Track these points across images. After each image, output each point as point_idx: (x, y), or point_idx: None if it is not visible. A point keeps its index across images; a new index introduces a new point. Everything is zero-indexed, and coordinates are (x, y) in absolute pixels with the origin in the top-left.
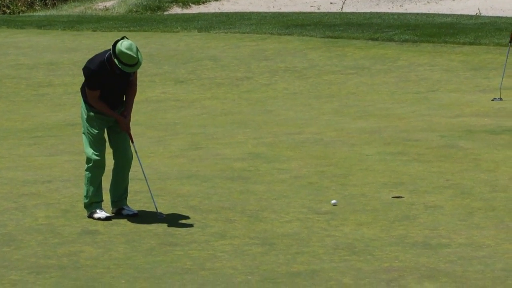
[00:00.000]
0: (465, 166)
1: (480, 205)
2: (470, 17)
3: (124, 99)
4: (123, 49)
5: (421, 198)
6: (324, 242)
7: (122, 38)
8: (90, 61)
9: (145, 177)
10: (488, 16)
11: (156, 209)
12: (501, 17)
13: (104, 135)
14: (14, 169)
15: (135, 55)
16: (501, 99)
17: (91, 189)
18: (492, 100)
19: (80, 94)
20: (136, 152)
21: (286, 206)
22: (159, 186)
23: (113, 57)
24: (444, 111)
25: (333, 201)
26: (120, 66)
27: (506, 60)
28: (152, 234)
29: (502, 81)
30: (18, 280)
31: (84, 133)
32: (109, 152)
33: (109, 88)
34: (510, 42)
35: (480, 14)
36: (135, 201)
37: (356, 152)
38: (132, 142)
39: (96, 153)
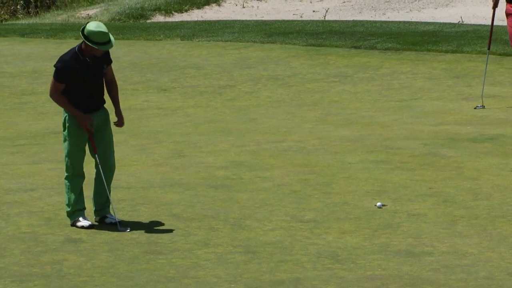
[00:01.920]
0: (448, 174)
1: (463, 213)
2: (452, 25)
3: (102, 98)
4: (93, 29)
5: (404, 206)
6: (307, 251)
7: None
8: (61, 56)
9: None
10: (470, 24)
11: (118, 224)
12: (484, 25)
13: (85, 145)
14: None
15: (105, 31)
16: (483, 106)
17: (72, 197)
18: (475, 108)
19: None
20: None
21: (269, 214)
22: (142, 194)
23: (85, 42)
24: (427, 119)
25: (379, 204)
26: (96, 47)
27: (486, 67)
28: (135, 243)
29: (483, 88)
30: None
31: (64, 141)
32: (91, 161)
33: (84, 82)
34: (488, 49)
35: (462, 22)
36: (118, 209)
37: (339, 160)
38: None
39: (75, 162)
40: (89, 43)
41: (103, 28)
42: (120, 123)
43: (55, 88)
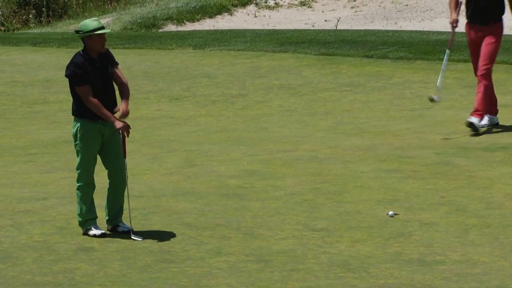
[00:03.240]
0: (460, 183)
1: (475, 222)
2: (464, 34)
3: (112, 105)
4: (85, 22)
5: (416, 215)
6: (319, 259)
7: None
8: (69, 63)
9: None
10: None
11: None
12: None
13: (97, 155)
14: (9, 186)
15: (96, 18)
16: (437, 99)
17: (84, 207)
18: (431, 100)
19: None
20: (125, 163)
21: (281, 223)
22: (154, 203)
23: (85, 38)
24: (439, 128)
25: (391, 212)
26: (95, 33)
27: (445, 63)
28: (148, 251)
29: (440, 81)
30: None
31: (76, 151)
32: (103, 170)
33: (94, 85)
34: (448, 48)
35: None
36: (131, 218)
37: (351, 169)
38: (124, 148)
39: (86, 173)
40: (88, 35)
41: (93, 18)
42: (123, 111)
43: (83, 93)
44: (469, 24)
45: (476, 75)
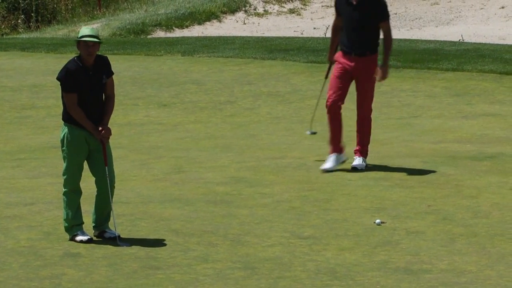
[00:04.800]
0: (447, 192)
1: (462, 231)
2: (453, 43)
3: (101, 114)
4: (81, 28)
5: (403, 224)
6: (306, 267)
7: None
8: (63, 67)
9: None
10: (471, 42)
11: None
12: (484, 44)
13: (83, 161)
14: None
15: (90, 27)
16: (315, 132)
17: (70, 213)
18: (309, 133)
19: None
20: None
21: (269, 231)
22: (142, 209)
23: (76, 44)
24: (427, 137)
25: (378, 221)
26: (84, 39)
27: (321, 93)
28: (134, 257)
29: (315, 113)
30: None
31: (63, 157)
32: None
33: (84, 93)
34: (326, 77)
35: (463, 40)
36: (117, 224)
37: (339, 177)
38: (105, 155)
39: (72, 179)
40: (81, 41)
41: (92, 28)
42: (105, 133)
43: (69, 100)
44: (343, 54)
45: (330, 105)
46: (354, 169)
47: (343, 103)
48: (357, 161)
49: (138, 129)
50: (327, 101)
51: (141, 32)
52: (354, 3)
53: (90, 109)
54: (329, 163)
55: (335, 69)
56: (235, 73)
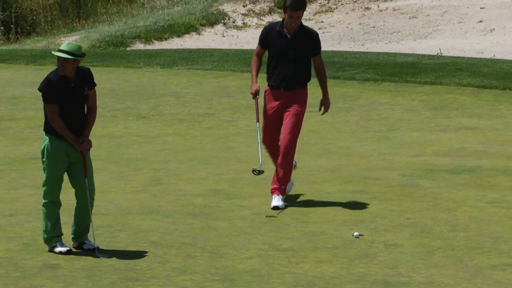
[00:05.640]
0: (425, 205)
1: (440, 244)
2: (431, 57)
3: (82, 127)
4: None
5: (381, 237)
6: (285, 279)
7: None
8: (44, 78)
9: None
10: (449, 56)
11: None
12: (462, 57)
13: (63, 173)
14: None
15: (71, 43)
16: (262, 171)
17: (49, 224)
18: (253, 171)
19: (42, 129)
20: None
21: (247, 243)
22: (121, 221)
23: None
24: (405, 150)
25: (356, 233)
26: (57, 54)
27: (260, 138)
28: (113, 269)
29: (260, 157)
30: None
31: (43, 168)
32: (70, 188)
33: (66, 105)
34: (257, 121)
35: (441, 54)
36: (97, 236)
37: (317, 189)
38: (85, 167)
39: (52, 190)
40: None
41: (71, 43)
42: (86, 145)
43: (50, 111)
44: (271, 90)
45: (270, 147)
46: (276, 208)
47: (279, 140)
48: (277, 200)
49: (117, 141)
50: (264, 142)
51: (120, 44)
52: (289, 36)
53: (72, 121)
54: (276, 202)
55: (267, 109)
56: (214, 86)
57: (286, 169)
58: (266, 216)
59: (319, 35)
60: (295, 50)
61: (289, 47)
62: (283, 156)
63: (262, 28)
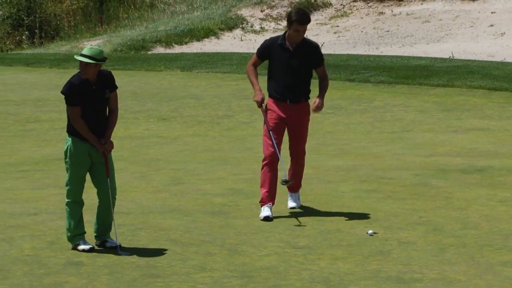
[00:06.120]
0: (437, 204)
1: (452, 242)
2: (443, 60)
3: (104, 128)
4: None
5: (395, 234)
6: (301, 276)
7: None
8: (67, 81)
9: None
10: (461, 59)
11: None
12: (474, 61)
13: (86, 173)
14: (1, 201)
15: (91, 46)
16: (290, 181)
17: (72, 222)
18: (282, 183)
19: (66, 130)
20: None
21: (265, 241)
22: (142, 219)
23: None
24: (418, 151)
25: (370, 231)
26: (79, 59)
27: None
28: (135, 266)
29: (281, 163)
30: None
31: (66, 168)
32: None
33: (87, 106)
34: (270, 129)
35: (453, 57)
36: (118, 234)
37: (333, 189)
38: (107, 167)
39: (75, 190)
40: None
41: (93, 47)
42: (107, 146)
43: (72, 113)
44: (276, 102)
45: (270, 161)
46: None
47: (280, 156)
48: (292, 199)
49: (139, 142)
50: (265, 157)
51: (141, 48)
52: (291, 49)
53: (94, 122)
54: (266, 212)
55: (269, 120)
56: (232, 88)
57: (299, 176)
58: (296, 220)
59: (323, 45)
60: (298, 62)
61: (292, 59)
62: (295, 166)
63: (263, 41)
